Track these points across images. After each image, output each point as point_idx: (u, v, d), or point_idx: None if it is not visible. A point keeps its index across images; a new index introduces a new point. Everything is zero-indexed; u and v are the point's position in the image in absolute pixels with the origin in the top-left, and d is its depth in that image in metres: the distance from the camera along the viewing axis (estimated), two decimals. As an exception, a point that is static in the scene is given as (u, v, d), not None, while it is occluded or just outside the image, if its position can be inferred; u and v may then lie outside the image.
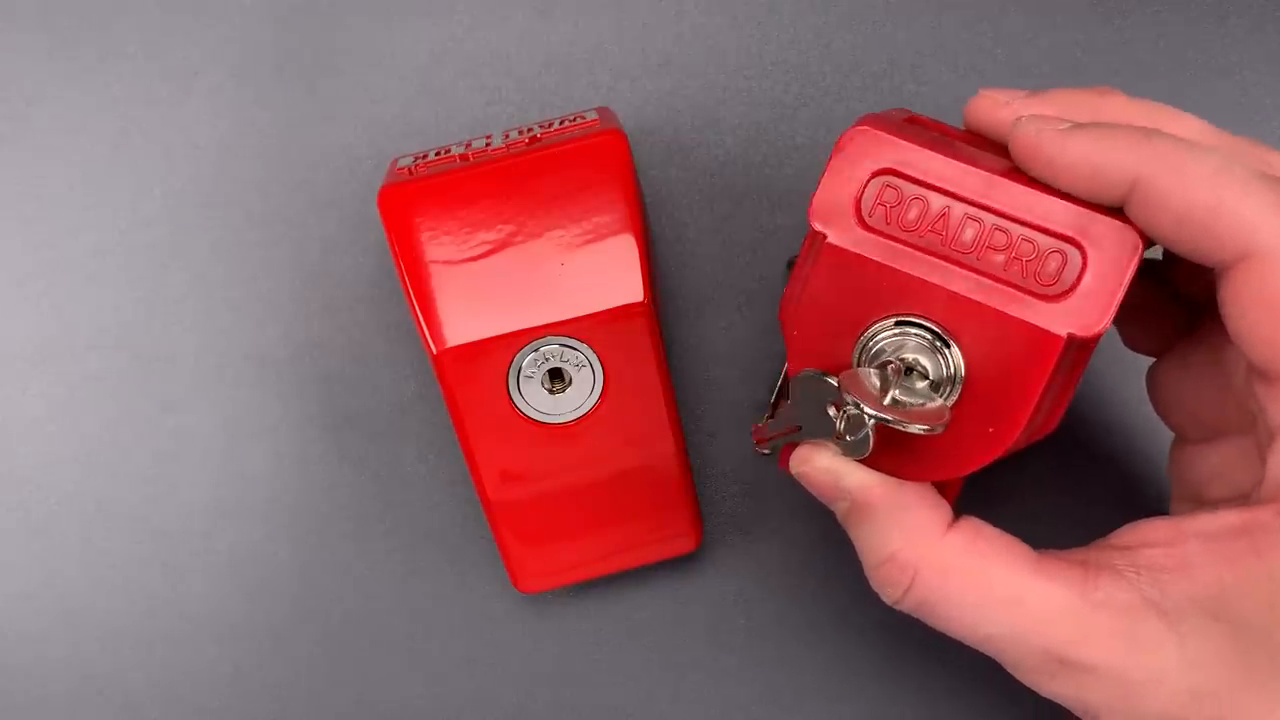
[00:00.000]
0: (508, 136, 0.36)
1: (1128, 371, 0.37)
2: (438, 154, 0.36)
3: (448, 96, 0.40)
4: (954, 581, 0.28)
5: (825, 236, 0.28)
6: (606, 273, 0.34)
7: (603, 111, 0.36)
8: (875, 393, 0.28)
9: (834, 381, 0.28)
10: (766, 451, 0.31)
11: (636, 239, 0.34)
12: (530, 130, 0.36)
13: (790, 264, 0.39)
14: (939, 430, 0.27)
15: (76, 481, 0.40)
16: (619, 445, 0.36)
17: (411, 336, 0.40)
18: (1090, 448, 0.39)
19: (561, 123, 0.36)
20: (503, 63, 0.40)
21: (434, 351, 0.34)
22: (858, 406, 0.27)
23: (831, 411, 0.29)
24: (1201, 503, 0.31)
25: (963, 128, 0.31)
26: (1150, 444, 0.39)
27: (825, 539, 0.40)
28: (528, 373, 0.34)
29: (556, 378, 0.35)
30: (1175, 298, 0.33)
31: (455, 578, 0.40)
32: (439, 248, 0.33)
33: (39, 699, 0.41)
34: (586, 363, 0.34)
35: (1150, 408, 0.34)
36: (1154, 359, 0.34)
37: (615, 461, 0.36)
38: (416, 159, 0.36)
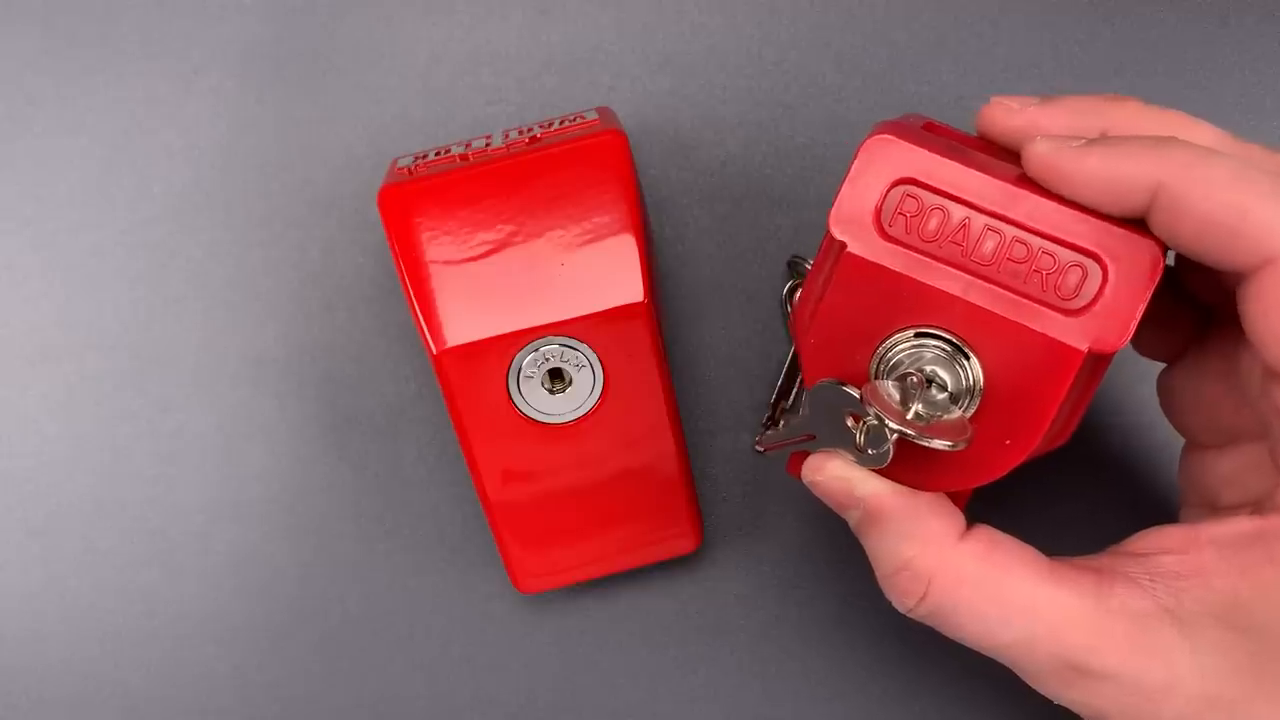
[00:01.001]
0: (508, 136, 0.36)
1: (1138, 377, 0.37)
2: (438, 154, 0.36)
3: (448, 96, 0.40)
4: (968, 590, 0.28)
5: (845, 246, 0.28)
6: (606, 273, 0.33)
7: (603, 111, 0.36)
8: (896, 405, 0.27)
9: (854, 393, 0.28)
10: (763, 450, 0.31)
11: (636, 239, 0.34)
12: (530, 130, 0.36)
13: (791, 264, 0.39)
14: (962, 446, 0.27)
15: (76, 481, 0.40)
16: (619, 445, 0.36)
17: (411, 336, 0.40)
18: (1100, 453, 0.39)
19: (561, 123, 0.36)
20: (503, 63, 0.40)
21: (434, 351, 0.34)
22: (879, 419, 0.27)
23: (850, 423, 0.28)
24: (1213, 509, 0.31)
25: (975, 134, 0.30)
26: (1160, 450, 0.39)
27: (825, 539, 0.40)
28: (528, 373, 0.34)
29: (556, 378, 0.35)
30: (1188, 303, 0.32)
31: (455, 578, 0.40)
32: (439, 248, 0.33)
33: (39, 700, 0.41)
34: (586, 363, 0.34)
35: (1161, 413, 0.34)
36: (1165, 364, 0.34)
37: (615, 461, 0.36)
38: (416, 159, 0.36)
